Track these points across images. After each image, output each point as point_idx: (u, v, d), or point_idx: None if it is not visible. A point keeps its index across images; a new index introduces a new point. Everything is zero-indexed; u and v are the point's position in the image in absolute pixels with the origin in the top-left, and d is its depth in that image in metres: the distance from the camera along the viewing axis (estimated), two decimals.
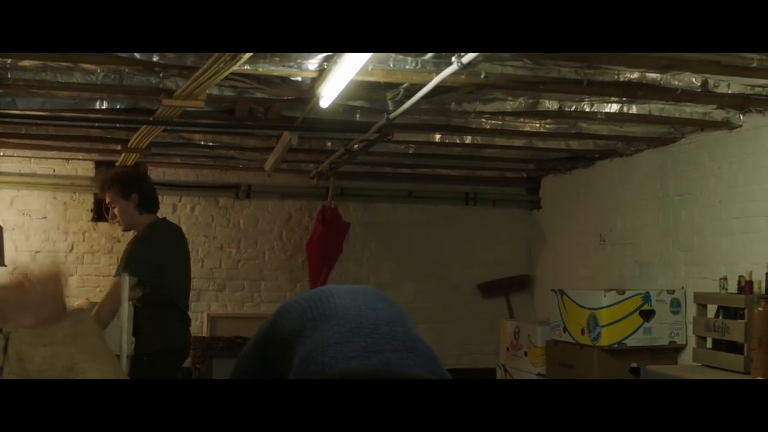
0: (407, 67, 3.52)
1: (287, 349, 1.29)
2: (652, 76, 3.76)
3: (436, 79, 3.48)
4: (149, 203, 4.35)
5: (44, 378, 4.33)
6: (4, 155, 6.29)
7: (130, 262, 4.15)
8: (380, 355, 1.14)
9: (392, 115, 4.20)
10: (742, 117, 4.51)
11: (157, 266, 4.17)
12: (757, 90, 4.01)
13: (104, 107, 4.32)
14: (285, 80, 3.86)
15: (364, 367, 1.13)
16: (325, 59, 3.44)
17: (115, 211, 4.40)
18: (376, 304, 1.26)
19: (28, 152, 6.22)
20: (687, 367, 4.61)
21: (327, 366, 1.14)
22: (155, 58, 3.43)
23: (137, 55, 3.38)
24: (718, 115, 4.48)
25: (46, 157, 6.43)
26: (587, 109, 4.38)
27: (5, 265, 5.54)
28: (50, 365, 4.53)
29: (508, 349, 6.21)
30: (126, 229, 4.46)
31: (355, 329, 1.18)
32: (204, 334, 6.69)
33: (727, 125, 4.57)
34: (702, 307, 4.45)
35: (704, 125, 4.69)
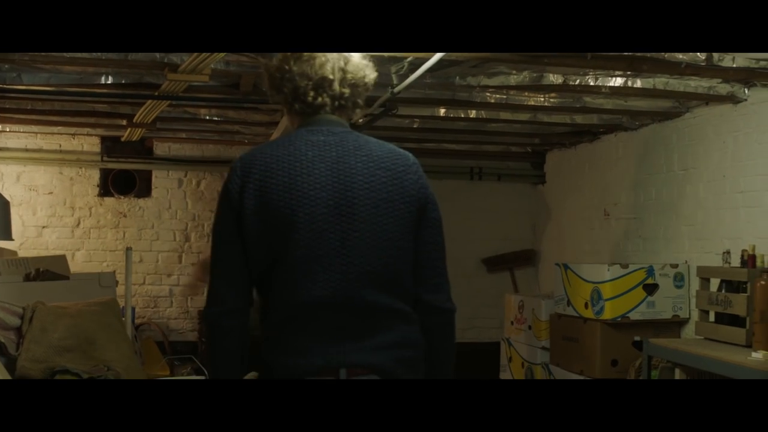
0: None
1: None
2: None
3: (440, 53, 3.48)
4: None
5: (65, 346, 4.35)
6: (10, 131, 6.32)
7: None
8: None
9: (396, 89, 4.20)
10: (747, 91, 4.50)
11: None
12: (762, 64, 4.00)
13: (109, 82, 4.33)
14: None
15: None
16: None
17: None
18: None
19: (34, 128, 6.25)
20: (690, 340, 4.64)
21: None
22: None
23: None
24: (723, 89, 4.47)
25: (51, 133, 6.46)
26: (591, 83, 4.37)
27: (12, 239, 5.59)
28: (73, 334, 4.60)
29: (512, 323, 6.25)
30: None
31: None
32: None
33: (732, 99, 4.56)
34: (705, 280, 4.46)
35: (709, 99, 4.68)
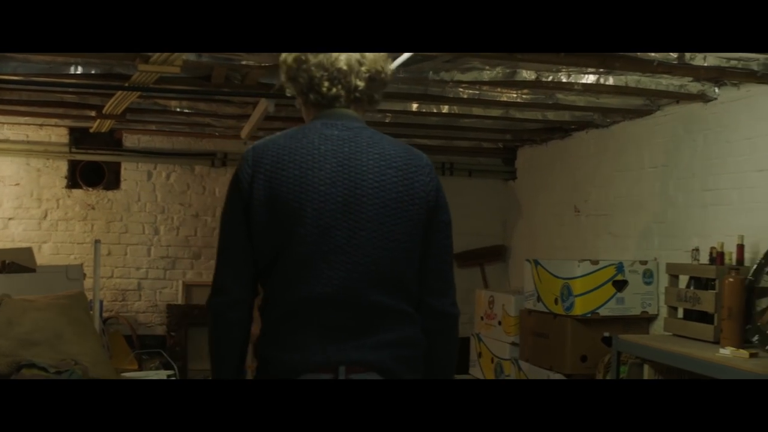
0: None
1: None
2: None
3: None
4: None
5: (32, 340, 4.30)
6: None
7: None
8: None
9: None
10: (717, 90, 4.53)
11: None
12: (733, 63, 4.03)
13: (79, 72, 4.26)
14: None
15: None
16: None
17: None
18: None
19: (1, 118, 6.15)
20: (658, 336, 4.68)
21: None
22: None
23: None
24: (694, 87, 4.51)
25: (19, 123, 6.36)
26: (564, 80, 4.39)
27: None
28: (40, 328, 4.55)
29: (482, 318, 6.26)
30: None
31: None
32: (179, 302, 6.69)
33: (703, 98, 4.60)
34: (674, 277, 4.50)
35: (680, 98, 4.71)
